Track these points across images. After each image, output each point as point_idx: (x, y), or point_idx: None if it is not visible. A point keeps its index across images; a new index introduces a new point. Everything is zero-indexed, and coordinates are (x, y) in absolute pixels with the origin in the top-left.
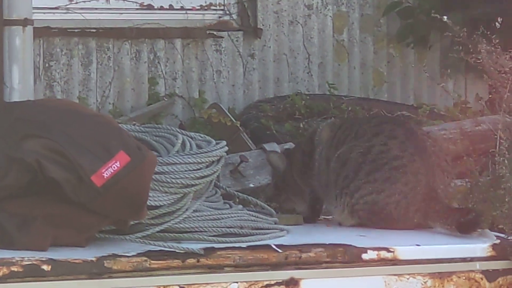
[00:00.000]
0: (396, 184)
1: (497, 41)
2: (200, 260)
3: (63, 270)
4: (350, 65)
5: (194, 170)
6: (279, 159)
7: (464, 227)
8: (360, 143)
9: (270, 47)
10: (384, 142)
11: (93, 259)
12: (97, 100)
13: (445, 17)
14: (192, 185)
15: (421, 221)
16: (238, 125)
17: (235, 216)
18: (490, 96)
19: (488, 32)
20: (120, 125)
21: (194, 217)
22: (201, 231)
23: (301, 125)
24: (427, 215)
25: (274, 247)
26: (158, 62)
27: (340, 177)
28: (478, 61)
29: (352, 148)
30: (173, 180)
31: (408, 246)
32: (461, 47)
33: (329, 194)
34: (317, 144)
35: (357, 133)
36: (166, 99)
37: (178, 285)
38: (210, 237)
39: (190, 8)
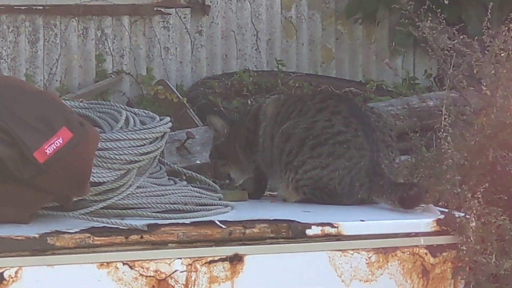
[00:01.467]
0: (340, 159)
1: (443, 16)
2: (144, 236)
3: (5, 247)
4: (298, 41)
5: (137, 146)
6: (219, 123)
7: (407, 202)
8: (304, 119)
9: (218, 24)
10: (328, 117)
11: (36, 235)
12: (44, 77)
13: None
14: (136, 161)
15: (365, 197)
16: (185, 102)
17: (179, 192)
18: (438, 72)
19: (434, 7)
20: (63, 101)
21: (137, 193)
22: (145, 207)
23: (249, 102)
24: (371, 190)
25: (218, 223)
26: (106, 39)
27: (284, 152)
28: (424, 37)
29: (296, 124)
30: (117, 156)
31: (352, 221)
32: (408, 21)
33: (273, 170)
34: (262, 120)
35: (301, 109)
36: (113, 76)
37: (122, 261)
38: (153, 213)
39: None
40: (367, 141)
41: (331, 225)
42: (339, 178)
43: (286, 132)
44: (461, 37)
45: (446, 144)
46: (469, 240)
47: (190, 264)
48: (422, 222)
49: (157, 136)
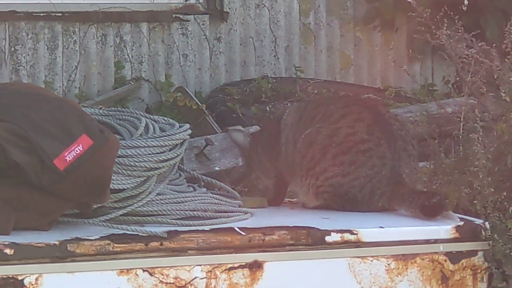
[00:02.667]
0: (362, 168)
1: (461, 24)
2: (163, 243)
3: (26, 254)
4: (317, 48)
5: (157, 153)
6: (241, 136)
7: (429, 210)
8: (327, 124)
9: (236, 30)
10: (351, 124)
11: (56, 242)
12: (63, 84)
13: None
14: (155, 168)
15: (386, 205)
16: (204, 109)
17: (198, 199)
18: (457, 78)
19: (452, 13)
20: (83, 108)
21: (157, 200)
22: (164, 214)
23: (267, 108)
24: (392, 198)
25: (237, 230)
26: (124, 46)
27: (306, 158)
28: (441, 44)
29: (319, 130)
30: (136, 163)
31: (372, 228)
32: (424, 29)
33: (294, 175)
34: (284, 127)
35: (324, 114)
36: (132, 83)
37: (141, 268)
38: (173, 220)
39: None
40: (389, 150)
41: (350, 232)
42: (360, 186)
43: (309, 138)
44: (479, 44)
45: (468, 149)
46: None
47: (210, 271)
48: (441, 229)
49: (177, 143)
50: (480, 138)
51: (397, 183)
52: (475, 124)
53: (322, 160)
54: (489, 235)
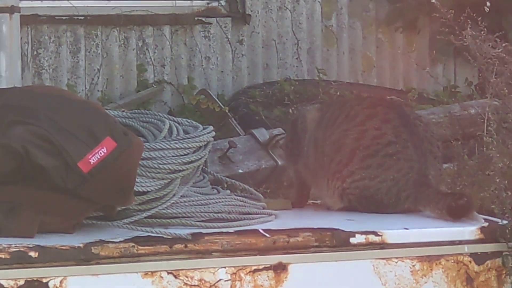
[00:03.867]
0: (388, 171)
1: (484, 25)
2: (188, 245)
3: (50, 257)
4: (339, 50)
5: (181, 155)
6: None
7: (456, 212)
8: (353, 126)
9: (258, 33)
10: (378, 126)
11: (81, 245)
12: (85, 88)
13: None
14: (179, 171)
15: (412, 206)
16: (227, 111)
17: (222, 201)
18: (480, 80)
19: (475, 15)
20: (106, 111)
21: (181, 202)
22: (189, 217)
23: (290, 111)
24: (417, 200)
25: (262, 231)
26: (147, 49)
27: (334, 162)
28: (465, 45)
29: (345, 133)
30: (160, 166)
31: (396, 229)
32: (447, 30)
33: (318, 177)
34: (304, 129)
35: (348, 114)
36: (155, 86)
37: (166, 270)
38: (197, 223)
39: None
40: (415, 152)
41: (375, 233)
42: (386, 189)
43: (335, 141)
44: (504, 44)
45: (493, 149)
46: None
47: (234, 273)
48: (466, 230)
49: (201, 145)
50: (495, 142)
51: (423, 185)
52: (494, 126)
53: (349, 164)
54: (509, 236)
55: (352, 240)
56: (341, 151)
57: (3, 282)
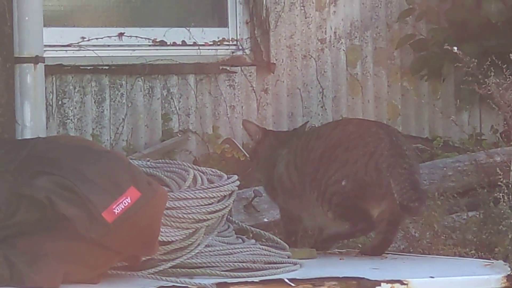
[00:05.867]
0: (355, 150)
1: (509, 72)
2: None
3: None
4: (364, 98)
5: (205, 204)
6: (253, 128)
7: (406, 210)
8: (321, 142)
9: (283, 81)
10: (342, 128)
11: None
12: (110, 137)
13: (455, 48)
14: (204, 220)
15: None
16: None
17: (247, 251)
18: (505, 127)
19: (500, 63)
20: (130, 160)
21: (206, 252)
22: (214, 266)
23: None
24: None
25: (287, 281)
26: (171, 98)
27: (308, 176)
28: (489, 93)
29: (315, 149)
30: (185, 215)
31: (422, 278)
32: (471, 78)
33: (304, 200)
34: (277, 167)
35: (318, 135)
36: (179, 135)
37: None
38: (222, 272)
39: (203, 43)
40: (384, 133)
41: (400, 282)
42: (363, 166)
43: (310, 160)
44: None
45: (501, 205)
46: None
47: None
48: (492, 278)
49: (225, 194)
50: (506, 197)
51: (400, 155)
52: None
53: (320, 168)
54: None
55: None
56: (313, 164)
57: None
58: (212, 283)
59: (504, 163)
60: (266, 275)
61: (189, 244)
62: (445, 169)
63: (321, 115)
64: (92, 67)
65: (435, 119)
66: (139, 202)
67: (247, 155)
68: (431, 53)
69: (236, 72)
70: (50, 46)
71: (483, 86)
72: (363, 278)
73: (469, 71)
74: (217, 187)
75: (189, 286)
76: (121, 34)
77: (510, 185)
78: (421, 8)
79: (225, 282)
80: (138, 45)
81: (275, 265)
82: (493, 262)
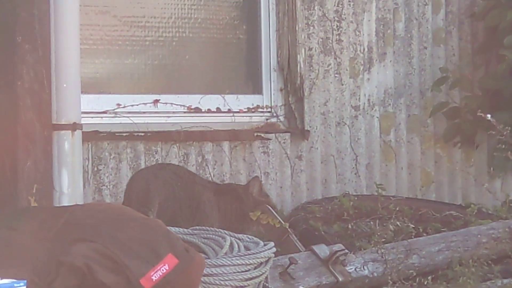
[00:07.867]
0: None
1: None
2: None
3: None
4: (398, 165)
5: (242, 271)
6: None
7: None
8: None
9: (317, 148)
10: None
11: None
12: None
13: (489, 115)
14: (241, 287)
15: None
16: (287, 227)
17: None
18: None
19: None
20: (168, 228)
21: None
22: None
23: (350, 226)
24: None
25: None
26: (206, 165)
27: None
28: None
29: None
30: (222, 282)
31: None
32: (504, 146)
33: None
34: None
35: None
36: None
37: None
38: None
39: (238, 110)
40: None
41: None
42: None
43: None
44: None
45: None
46: None
47: None
48: None
49: (262, 261)
50: None
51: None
52: None
53: None
54: None
55: None
56: None
57: None
58: None
59: None
60: None
61: None
62: (479, 236)
63: (355, 182)
64: (127, 134)
65: (468, 186)
66: (177, 269)
67: (282, 222)
68: (464, 121)
69: (270, 139)
70: (86, 112)
71: None
72: None
73: (502, 139)
74: (254, 254)
75: None
76: (156, 101)
77: None
78: (455, 76)
79: None
80: (173, 112)
81: None
82: None
